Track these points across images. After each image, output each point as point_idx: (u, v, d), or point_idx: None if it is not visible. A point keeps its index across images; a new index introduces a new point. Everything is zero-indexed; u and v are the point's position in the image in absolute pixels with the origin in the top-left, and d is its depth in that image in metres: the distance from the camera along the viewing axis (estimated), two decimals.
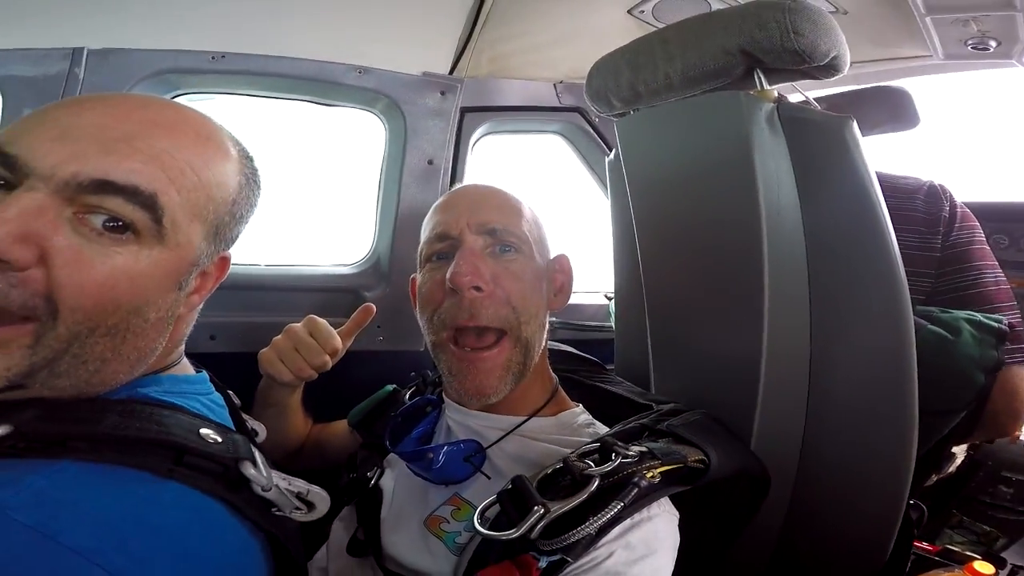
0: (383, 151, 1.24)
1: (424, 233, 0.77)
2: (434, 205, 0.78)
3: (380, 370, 1.22)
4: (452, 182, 1.23)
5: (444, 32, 1.13)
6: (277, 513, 0.53)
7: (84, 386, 0.48)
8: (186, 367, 0.61)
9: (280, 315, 1.06)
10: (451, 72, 1.18)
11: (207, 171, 0.52)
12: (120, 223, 0.46)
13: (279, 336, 0.87)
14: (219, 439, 0.51)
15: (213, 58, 1.10)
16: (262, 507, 0.52)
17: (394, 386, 0.91)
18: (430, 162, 1.19)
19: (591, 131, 1.38)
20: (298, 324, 0.88)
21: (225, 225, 0.55)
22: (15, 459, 0.42)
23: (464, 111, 1.22)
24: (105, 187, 0.44)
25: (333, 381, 0.90)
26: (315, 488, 0.56)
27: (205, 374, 0.63)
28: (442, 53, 1.15)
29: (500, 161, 1.38)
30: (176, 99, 1.15)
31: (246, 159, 0.57)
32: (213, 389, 0.62)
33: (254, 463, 0.52)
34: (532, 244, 0.75)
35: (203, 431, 0.51)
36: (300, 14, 1.08)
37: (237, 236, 0.58)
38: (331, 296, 1.23)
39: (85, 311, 0.44)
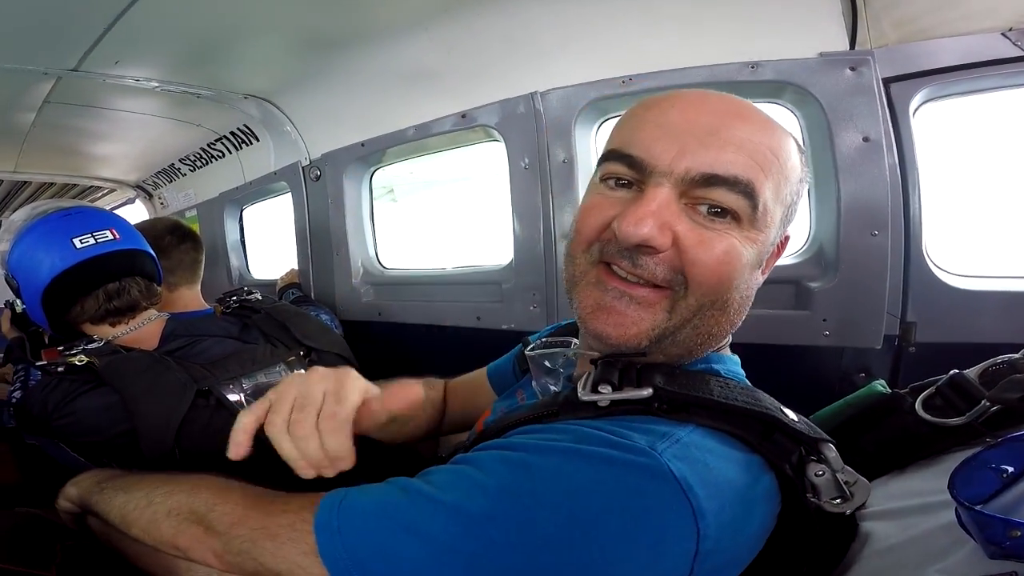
0: (802, 140, 1.13)
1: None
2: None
3: (822, 367, 1.12)
4: (901, 159, 1.03)
5: (823, 10, 1.02)
6: (810, 498, 0.51)
7: (686, 355, 0.57)
8: (729, 348, 0.65)
9: None
10: (851, 47, 1.04)
11: (781, 152, 0.54)
12: (721, 209, 0.51)
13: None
14: (796, 419, 0.53)
15: (623, 82, 1.22)
16: (801, 489, 0.51)
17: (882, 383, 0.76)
18: (866, 139, 1.03)
19: None
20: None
21: (794, 204, 0.57)
22: (654, 416, 0.51)
23: (887, 82, 1.03)
24: (712, 180, 0.50)
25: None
26: (863, 479, 0.51)
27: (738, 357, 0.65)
28: (832, 31, 1.04)
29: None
30: (605, 122, 1.33)
31: (796, 140, 0.58)
32: None
33: (834, 444, 0.52)
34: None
35: (785, 409, 0.53)
36: (692, 25, 1.12)
37: (795, 216, 0.59)
38: (773, 288, 1.18)
39: (709, 286, 0.52)
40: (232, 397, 0.96)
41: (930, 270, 1.03)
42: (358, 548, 0.46)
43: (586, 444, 0.47)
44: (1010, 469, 0.49)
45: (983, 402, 0.59)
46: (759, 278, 0.58)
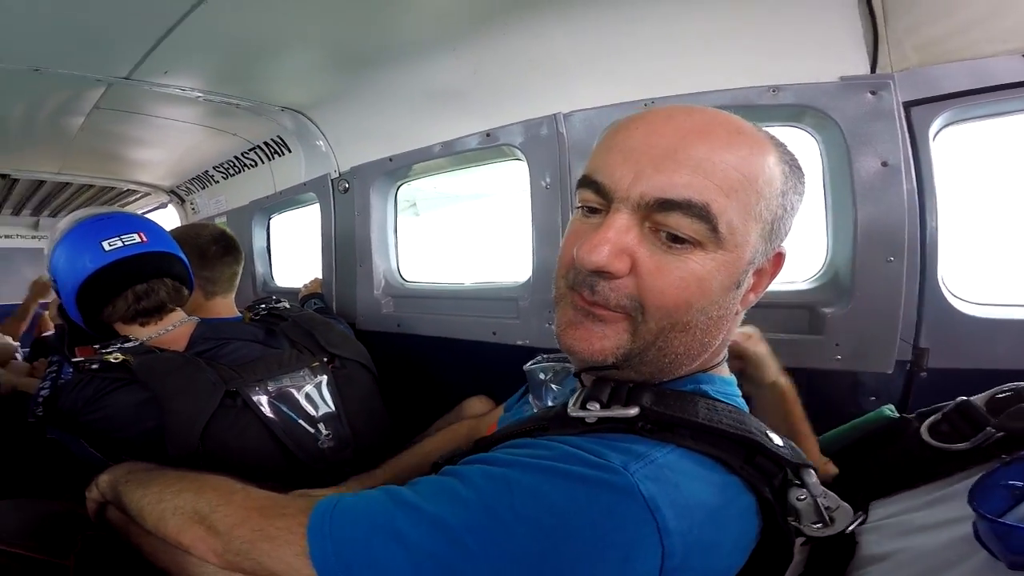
0: (821, 164, 1.15)
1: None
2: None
3: (832, 390, 1.11)
4: (919, 184, 1.04)
5: (844, 33, 1.04)
6: (791, 521, 0.52)
7: (659, 373, 0.57)
8: (725, 368, 0.65)
9: None
10: (872, 71, 1.05)
11: (749, 167, 0.52)
12: (680, 235, 0.51)
13: None
14: (781, 443, 0.53)
15: (645, 104, 1.24)
16: (781, 511, 0.52)
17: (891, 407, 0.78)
18: (884, 164, 1.04)
19: None
20: None
21: (779, 219, 0.55)
22: (637, 435, 0.53)
23: (908, 106, 1.03)
24: (665, 205, 0.50)
25: None
26: (845, 505, 0.52)
27: (734, 377, 0.65)
28: (853, 55, 1.05)
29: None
30: None
31: (781, 148, 0.57)
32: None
33: (815, 470, 0.53)
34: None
35: (770, 432, 0.54)
36: (714, 48, 1.15)
37: (790, 229, 0.58)
38: (787, 313, 1.19)
39: (665, 310, 0.52)
40: (257, 399, 0.99)
41: (944, 297, 1.03)
42: (345, 552, 0.49)
43: (565, 463, 0.49)
44: (1020, 484, 0.50)
45: (987, 429, 0.60)
46: (742, 297, 0.57)
